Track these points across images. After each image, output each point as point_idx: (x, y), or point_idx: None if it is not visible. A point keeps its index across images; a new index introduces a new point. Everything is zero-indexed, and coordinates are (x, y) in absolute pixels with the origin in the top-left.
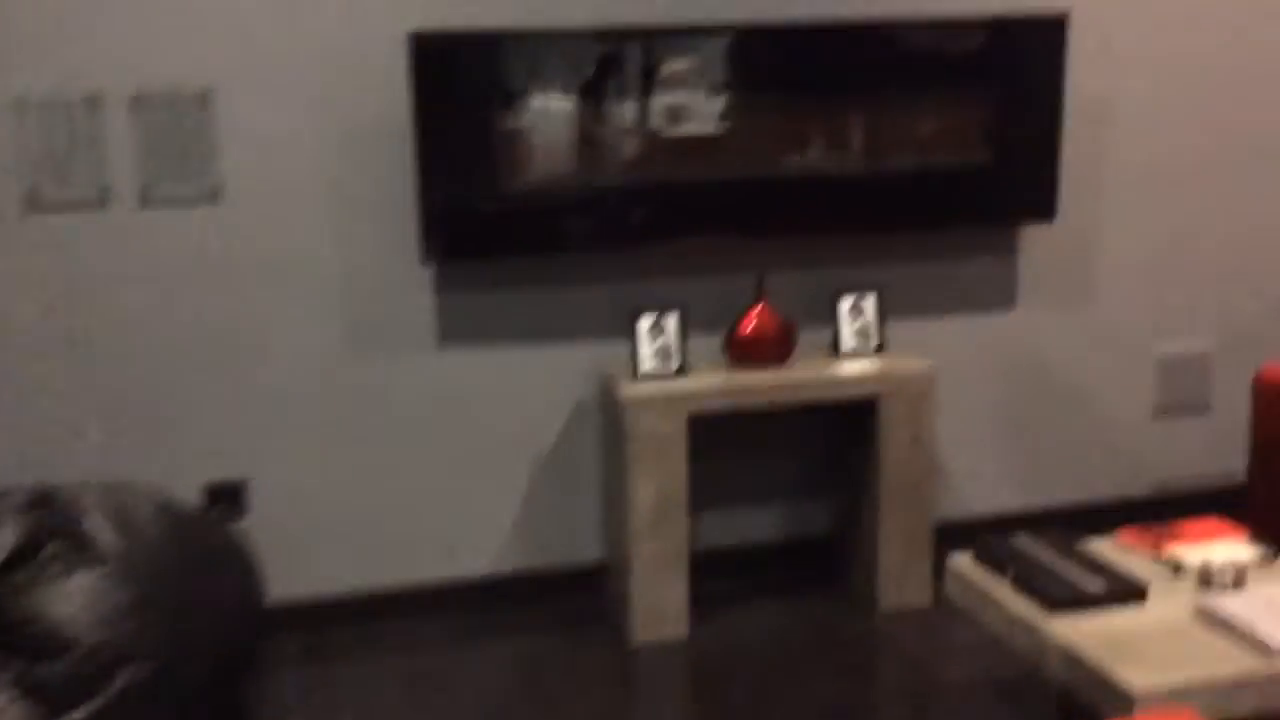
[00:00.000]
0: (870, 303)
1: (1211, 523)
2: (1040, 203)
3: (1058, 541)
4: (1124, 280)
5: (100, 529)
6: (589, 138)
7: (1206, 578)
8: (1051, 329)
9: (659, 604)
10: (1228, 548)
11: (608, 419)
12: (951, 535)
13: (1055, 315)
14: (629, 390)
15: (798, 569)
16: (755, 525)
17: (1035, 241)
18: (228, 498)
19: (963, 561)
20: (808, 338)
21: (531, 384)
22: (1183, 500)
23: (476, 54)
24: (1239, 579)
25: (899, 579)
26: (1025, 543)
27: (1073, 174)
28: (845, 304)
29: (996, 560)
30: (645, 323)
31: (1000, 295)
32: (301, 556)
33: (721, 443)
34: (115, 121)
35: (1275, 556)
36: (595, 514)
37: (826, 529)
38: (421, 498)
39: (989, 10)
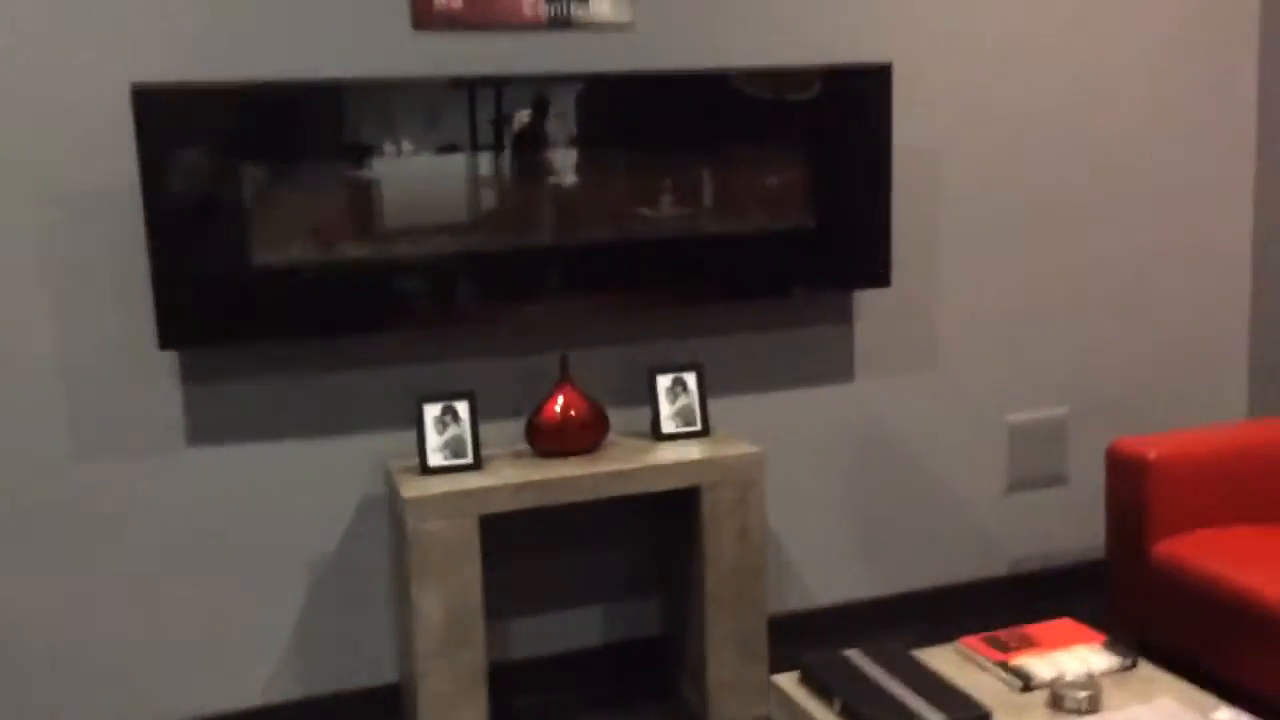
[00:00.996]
0: (692, 380)
1: (1064, 626)
2: (873, 267)
3: (893, 658)
4: (969, 346)
5: None
6: (356, 203)
7: (1058, 700)
8: (894, 401)
9: None
10: (1082, 657)
11: (393, 521)
12: (795, 631)
13: (898, 386)
14: (411, 489)
15: (626, 677)
16: (575, 630)
17: (871, 308)
18: None
19: (787, 683)
20: (626, 420)
21: (305, 484)
22: (1041, 579)
23: (215, 109)
24: (1093, 702)
25: (731, 688)
26: (858, 660)
27: (907, 235)
28: (664, 382)
29: (823, 683)
30: (432, 411)
31: (837, 367)
32: (42, 694)
33: (532, 540)
34: None
35: (1132, 665)
36: (388, 628)
37: (658, 630)
38: (181, 622)
39: (807, 62)
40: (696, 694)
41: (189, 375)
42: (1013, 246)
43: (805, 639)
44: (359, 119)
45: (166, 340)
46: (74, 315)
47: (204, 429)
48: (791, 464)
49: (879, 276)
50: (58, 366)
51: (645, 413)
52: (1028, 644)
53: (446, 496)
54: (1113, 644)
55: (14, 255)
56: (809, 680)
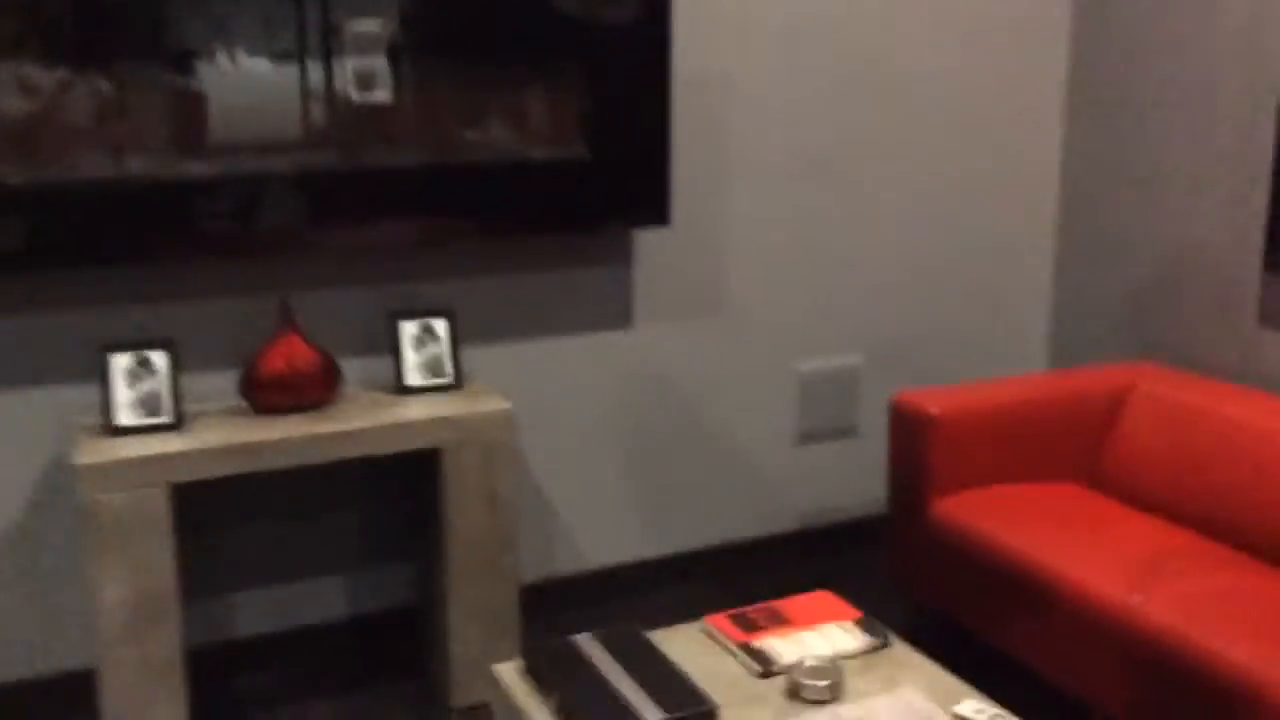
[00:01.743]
0: (441, 327)
1: (821, 600)
2: (649, 203)
3: (626, 643)
4: (758, 290)
5: None
6: (16, 115)
7: (796, 690)
8: (676, 348)
9: None
10: (831, 637)
11: (80, 487)
12: (568, 598)
13: (680, 332)
14: (88, 454)
15: (371, 653)
16: (312, 604)
17: (651, 248)
18: None
19: (508, 672)
20: (372, 373)
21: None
22: (831, 535)
23: None
24: (834, 689)
25: (477, 666)
26: (586, 647)
27: (691, 168)
28: (409, 330)
29: (545, 674)
30: (122, 361)
31: (613, 312)
32: None
33: (259, 504)
34: None
35: (884, 645)
36: (82, 607)
37: (411, 601)
38: None
39: None
40: (441, 672)
41: None
42: (807, 183)
43: (579, 606)
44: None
45: None
46: None
47: None
48: (563, 417)
49: (655, 214)
50: None
51: (389, 366)
52: (778, 622)
53: (129, 463)
54: (867, 622)
55: None
56: (530, 669)
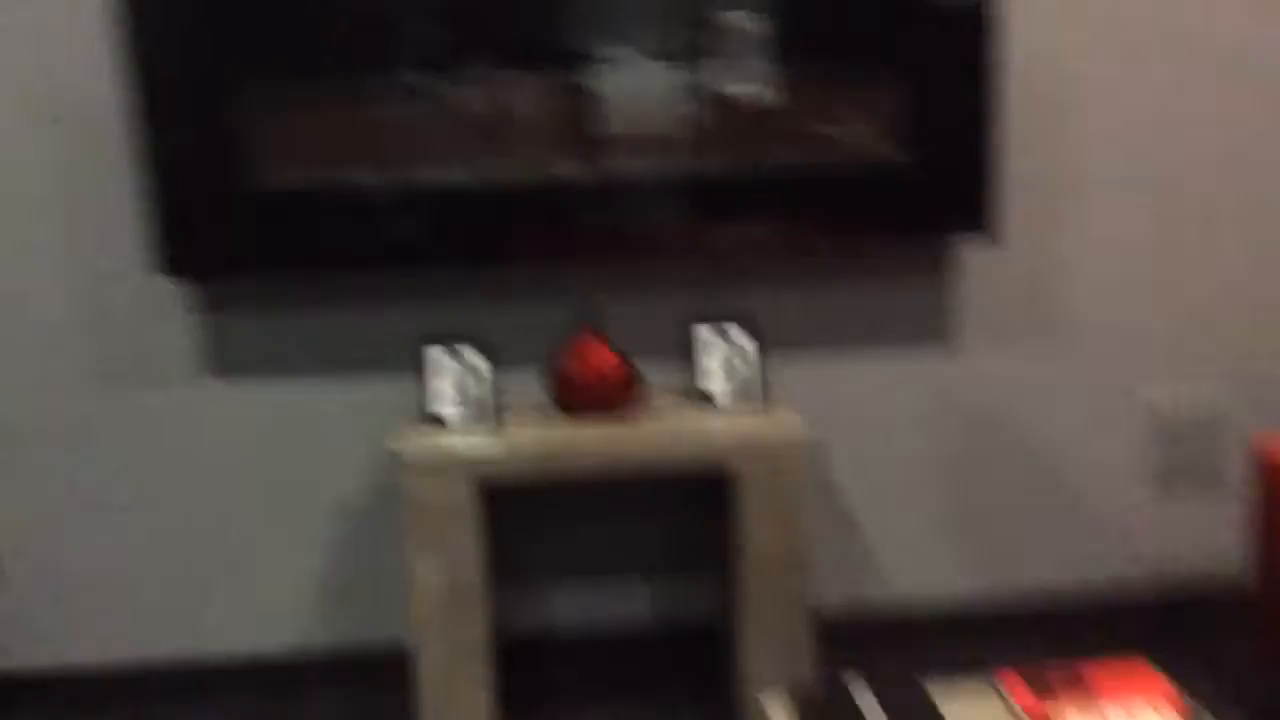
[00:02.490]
0: (747, 338)
1: (1134, 670)
2: (970, 210)
3: (902, 695)
4: (1097, 308)
5: None
6: (373, 121)
7: None
8: (1004, 371)
9: (454, 706)
10: (1139, 717)
11: (400, 477)
12: (868, 625)
13: (1008, 354)
14: (408, 448)
15: (670, 658)
16: (619, 603)
17: (976, 260)
18: None
19: (773, 705)
20: (670, 379)
21: (331, 424)
22: (1170, 594)
23: (217, 14)
24: None
25: (769, 689)
26: (859, 693)
27: (1025, 172)
28: (710, 338)
29: (806, 714)
30: (442, 357)
31: (933, 329)
32: (54, 624)
33: (568, 498)
34: None
35: None
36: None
37: (709, 613)
38: (197, 558)
39: None
40: (735, 690)
41: (207, 306)
42: (1161, 187)
43: (879, 636)
44: (381, 29)
45: (169, 268)
46: (85, 240)
47: (223, 363)
48: (872, 440)
49: (977, 222)
50: (72, 293)
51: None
52: (1078, 688)
53: (444, 458)
54: (1193, 707)
55: (18, 177)
56: (794, 705)
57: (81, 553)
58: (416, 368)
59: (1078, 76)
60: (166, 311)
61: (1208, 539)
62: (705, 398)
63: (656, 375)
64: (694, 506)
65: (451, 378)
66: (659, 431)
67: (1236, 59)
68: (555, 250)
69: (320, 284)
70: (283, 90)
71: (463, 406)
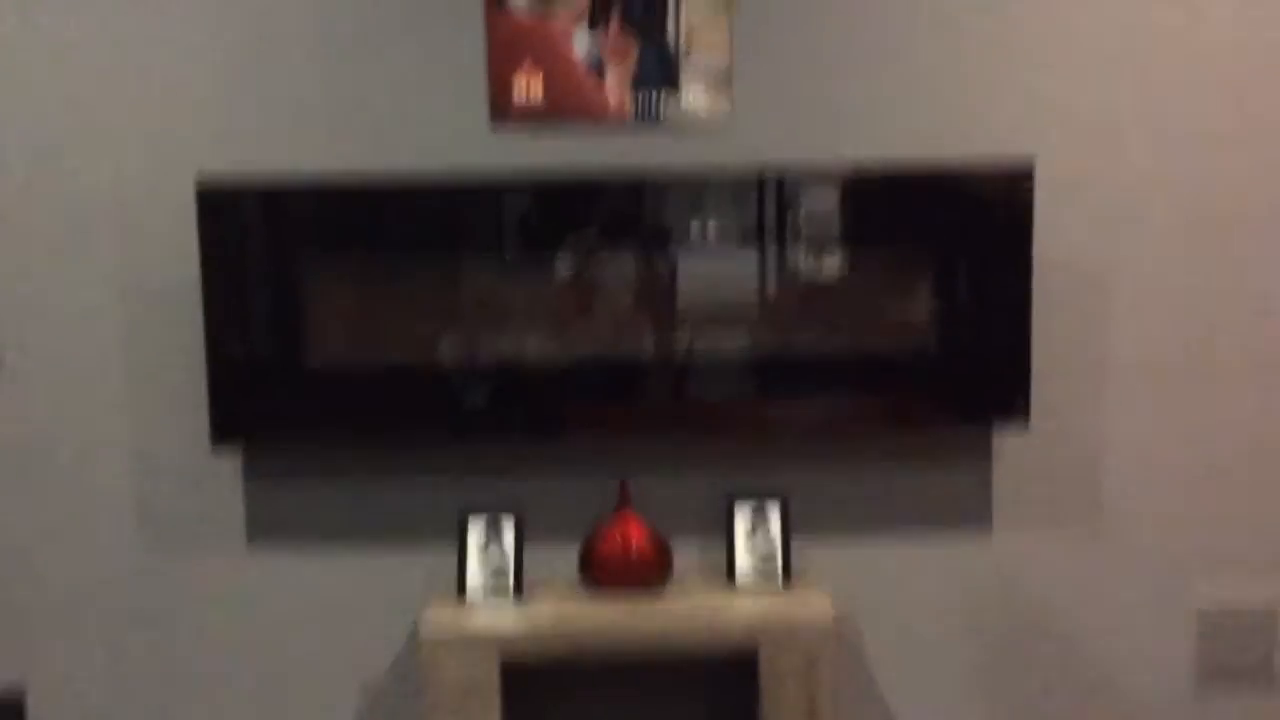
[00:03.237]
0: (776, 517)
1: None
2: (1008, 399)
3: None
4: (1138, 498)
5: None
6: (414, 306)
7: None
8: (1042, 559)
9: None
10: None
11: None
12: None
13: (1046, 542)
14: (430, 624)
15: None
16: None
17: (1013, 447)
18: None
19: None
20: (700, 555)
21: (364, 596)
22: None
23: (276, 206)
24: None
25: None
26: None
27: (1061, 361)
28: (742, 516)
29: None
30: (474, 528)
31: (970, 515)
32: None
33: (584, 678)
34: None
35: None
36: None
37: None
38: None
39: (933, 157)
40: None
41: (250, 474)
42: (1201, 376)
43: None
44: (429, 218)
45: (218, 437)
46: (147, 408)
47: (263, 531)
48: (905, 625)
49: (1015, 410)
50: (129, 457)
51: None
52: None
53: (465, 636)
54: None
55: (91, 347)
56: None
57: (116, 713)
58: (453, 540)
59: (1111, 265)
60: (216, 480)
61: None
62: (733, 576)
63: (692, 551)
64: (722, 688)
65: (482, 551)
66: (684, 611)
67: (1265, 243)
68: (596, 425)
69: (363, 455)
70: (334, 272)
71: (490, 580)
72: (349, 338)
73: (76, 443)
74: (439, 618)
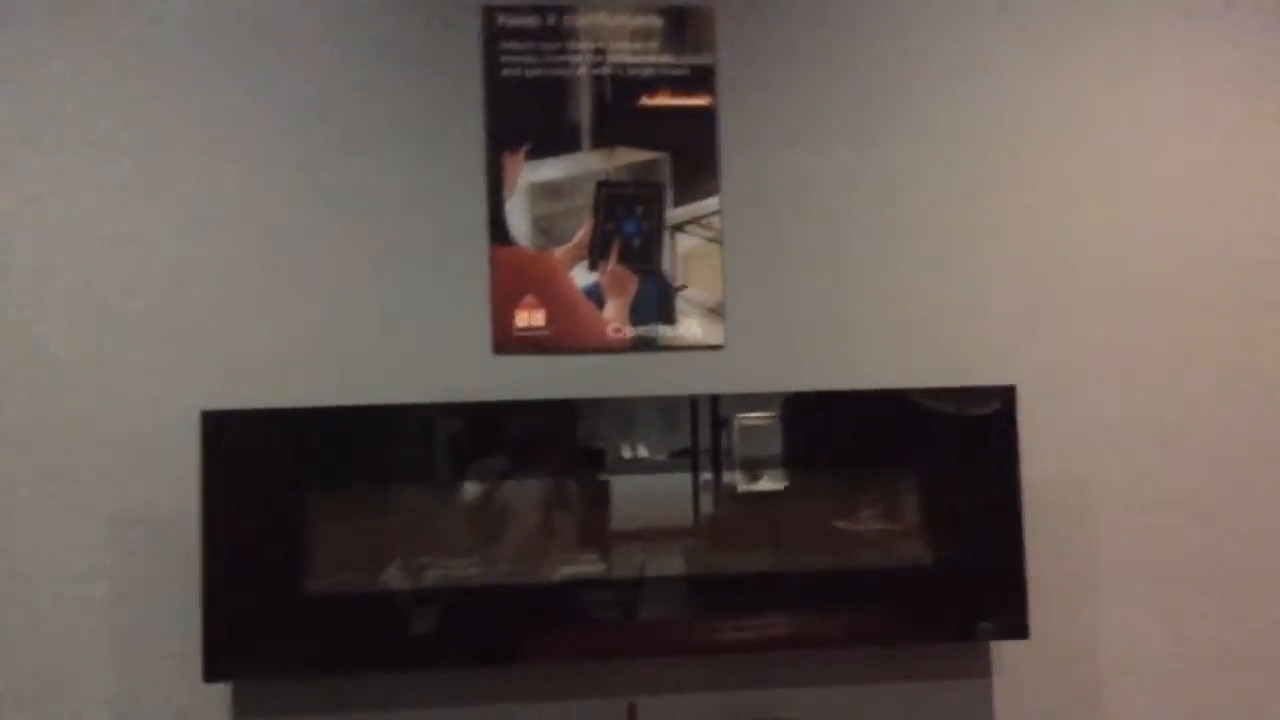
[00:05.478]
0: None
1: None
2: (1004, 615)
3: None
4: (1146, 698)
5: None
6: (409, 532)
7: None
8: None
9: None
10: None
11: None
12: None
13: None
14: None
15: None
16: None
17: (1014, 658)
18: None
19: None
20: None
21: None
22: None
23: (279, 434)
24: None
25: None
26: None
27: (1054, 575)
28: None
29: None
30: None
31: None
32: None
33: None
34: None
35: None
36: None
37: None
38: None
39: (921, 384)
40: None
41: (240, 711)
42: (1197, 588)
43: None
44: (427, 444)
45: (211, 670)
46: (129, 641)
47: None
48: None
49: (1013, 626)
50: (111, 696)
51: None
52: None
53: None
54: None
55: (77, 574)
56: None
57: None
58: None
59: (1094, 477)
60: (206, 715)
61: None
62: None
63: None
64: None
65: None
66: None
67: (1252, 457)
68: (582, 649)
69: (356, 687)
70: (325, 500)
71: None
72: (340, 564)
73: (59, 674)
74: None
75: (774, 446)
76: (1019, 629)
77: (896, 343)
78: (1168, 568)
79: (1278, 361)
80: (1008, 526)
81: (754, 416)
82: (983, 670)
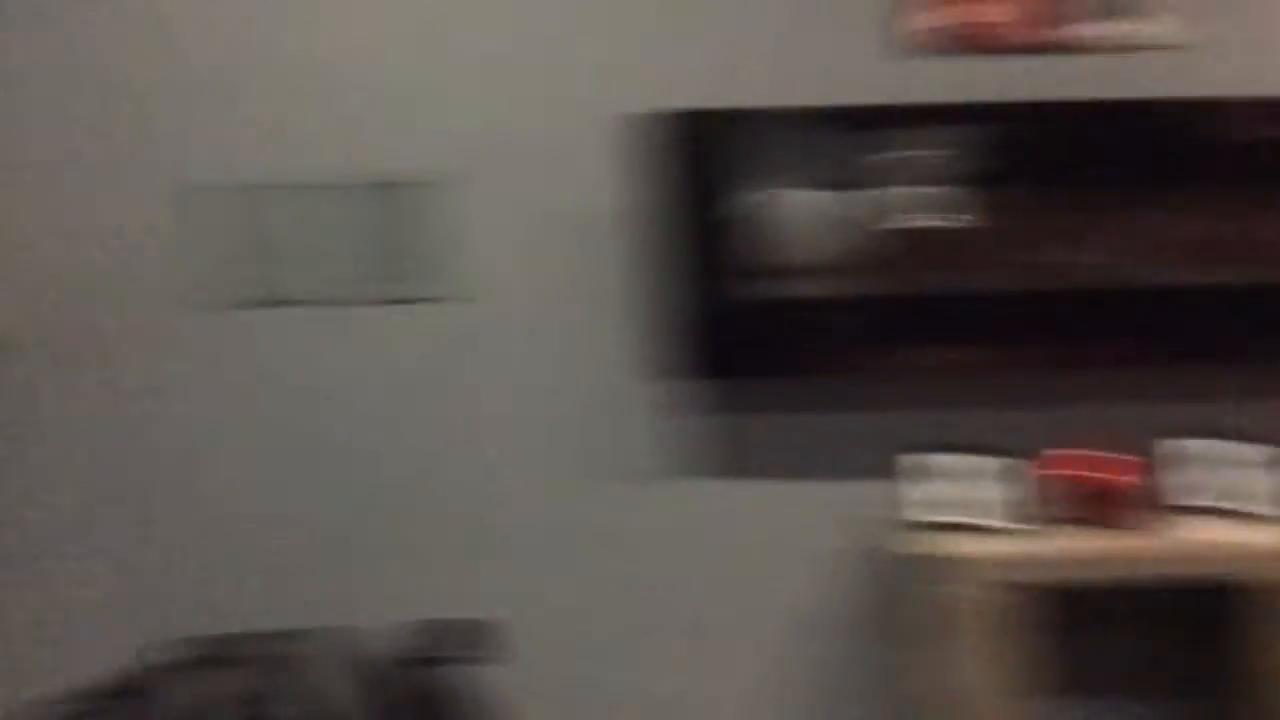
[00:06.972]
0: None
1: None
2: None
3: None
4: None
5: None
6: (856, 235)
7: None
8: None
9: None
10: None
11: (900, 580)
12: None
13: None
14: (960, 549)
15: None
16: None
17: None
18: (467, 640)
19: None
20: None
21: (802, 527)
22: None
23: (734, 135)
24: None
25: None
26: None
27: None
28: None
29: None
30: (952, 463)
31: None
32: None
33: (1048, 615)
34: (334, 212)
35: None
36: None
37: None
38: (664, 665)
39: None
40: None
41: (700, 408)
42: None
43: None
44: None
45: (703, 370)
46: (573, 338)
47: (706, 463)
48: None
49: None
50: (562, 389)
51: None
52: None
53: (978, 563)
54: None
55: (535, 281)
56: None
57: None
58: (895, 474)
59: None
60: (656, 412)
61: None
62: (1203, 511)
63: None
64: (1179, 625)
65: (961, 483)
66: (1184, 543)
67: None
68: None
69: (819, 388)
70: (770, 209)
71: (983, 511)
72: (797, 270)
73: (521, 370)
74: (940, 546)
75: None
76: None
77: None
78: None
79: None
80: None
81: None
82: None
